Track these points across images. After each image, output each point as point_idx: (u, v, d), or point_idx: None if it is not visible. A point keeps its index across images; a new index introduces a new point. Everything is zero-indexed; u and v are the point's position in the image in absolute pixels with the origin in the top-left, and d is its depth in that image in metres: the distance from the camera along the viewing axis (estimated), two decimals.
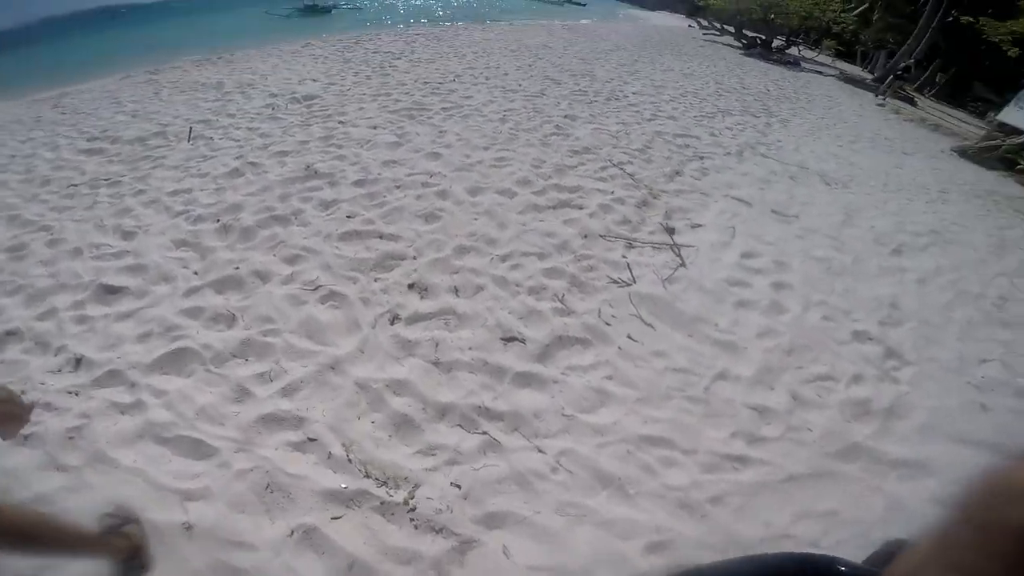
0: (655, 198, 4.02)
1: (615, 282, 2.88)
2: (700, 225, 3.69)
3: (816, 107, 9.45)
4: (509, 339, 2.38)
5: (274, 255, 2.87)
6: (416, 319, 2.48)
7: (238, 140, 4.52)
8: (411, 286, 2.70)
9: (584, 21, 27.50)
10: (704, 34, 23.74)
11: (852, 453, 2.06)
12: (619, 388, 2.20)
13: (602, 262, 3.05)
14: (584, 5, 50.61)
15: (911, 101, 13.44)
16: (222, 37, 17.94)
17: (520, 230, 3.26)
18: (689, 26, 39.29)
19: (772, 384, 2.34)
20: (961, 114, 18.18)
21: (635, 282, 2.90)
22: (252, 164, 3.96)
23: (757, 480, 1.88)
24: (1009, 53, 11.30)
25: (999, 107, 22.54)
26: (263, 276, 2.70)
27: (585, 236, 3.30)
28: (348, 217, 3.24)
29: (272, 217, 3.21)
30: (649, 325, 2.60)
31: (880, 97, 12.98)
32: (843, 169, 5.73)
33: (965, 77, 21.51)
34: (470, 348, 2.32)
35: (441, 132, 4.81)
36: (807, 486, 1.90)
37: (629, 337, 2.49)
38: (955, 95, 20.20)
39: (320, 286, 2.62)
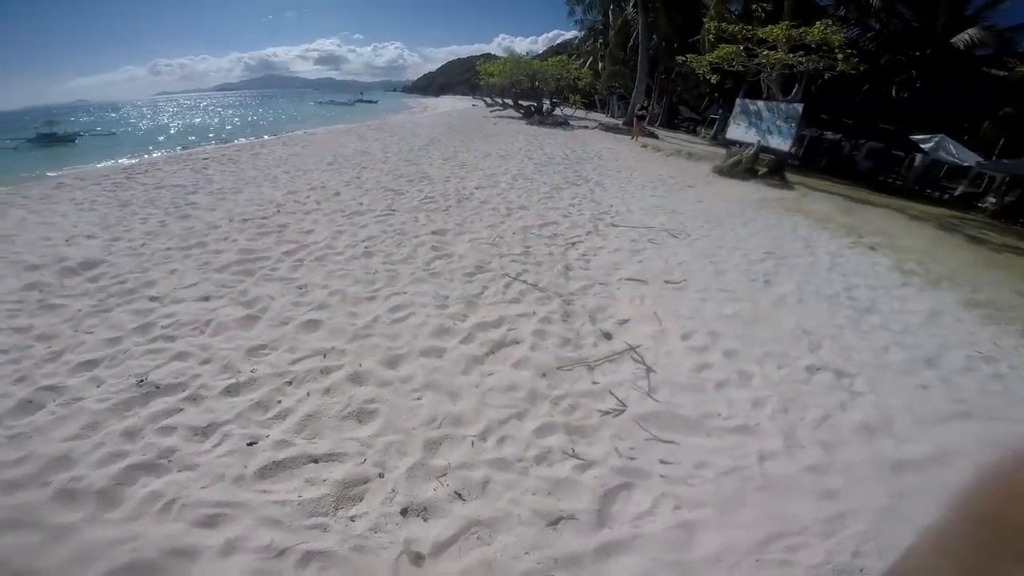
0: (569, 304, 3.88)
1: (607, 413, 2.67)
2: (625, 320, 3.72)
3: (607, 163, 11.03)
4: (555, 521, 2.03)
5: (168, 528, 1.84)
6: (443, 548, 1.86)
7: (5, 352, 3.09)
8: (404, 512, 1.99)
9: (388, 116, 28.24)
10: (491, 111, 26.55)
11: (901, 468, 2.43)
12: (695, 513, 2.10)
13: (579, 396, 2.78)
14: (375, 102, 53.12)
15: (654, 135, 16.78)
16: None
17: (477, 394, 2.71)
18: (473, 105, 43.85)
19: (800, 444, 2.55)
20: (691, 137, 23.64)
21: (626, 406, 2.72)
22: (49, 390, 2.66)
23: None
24: (711, 80, 14.30)
25: (708, 123, 29.13)
26: None
27: (544, 375, 2.93)
28: (250, 444, 2.28)
29: (131, 467, 2.10)
30: (670, 442, 2.51)
31: (634, 140, 16.12)
32: (673, 218, 6.65)
33: (672, 105, 28.52)
34: (525, 553, 1.88)
35: (301, 289, 3.91)
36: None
37: (663, 462, 2.38)
38: (670, 121, 27.72)
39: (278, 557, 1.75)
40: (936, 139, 17.95)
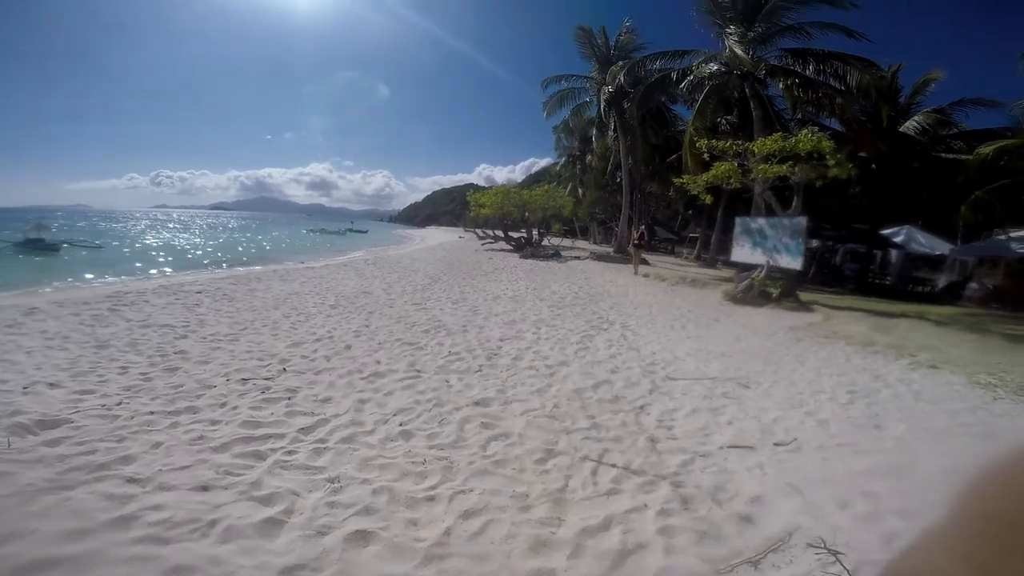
0: (680, 487, 3.18)
1: None
2: (757, 497, 3.10)
3: (620, 300, 10.80)
4: None
5: None
6: None
7: None
8: None
9: (382, 249, 28.72)
10: (483, 244, 27.02)
11: None
12: None
13: None
14: (366, 232, 54.71)
15: (646, 262, 16.85)
16: None
17: None
18: (460, 236, 45.41)
19: None
20: (674, 258, 24.10)
21: None
22: None
23: None
24: (706, 200, 14.48)
25: (689, 242, 29.92)
26: None
27: None
28: None
29: None
30: None
31: (635, 272, 16.07)
32: (727, 364, 6.24)
33: (649, 226, 29.52)
34: None
35: (333, 483, 3.03)
36: None
37: None
38: (648, 242, 27.38)
39: None
40: (904, 231, 18.41)
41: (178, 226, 67.60)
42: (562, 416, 4.30)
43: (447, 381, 4.98)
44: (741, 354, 6.84)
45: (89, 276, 14.44)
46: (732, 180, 12.74)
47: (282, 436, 3.61)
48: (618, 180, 32.43)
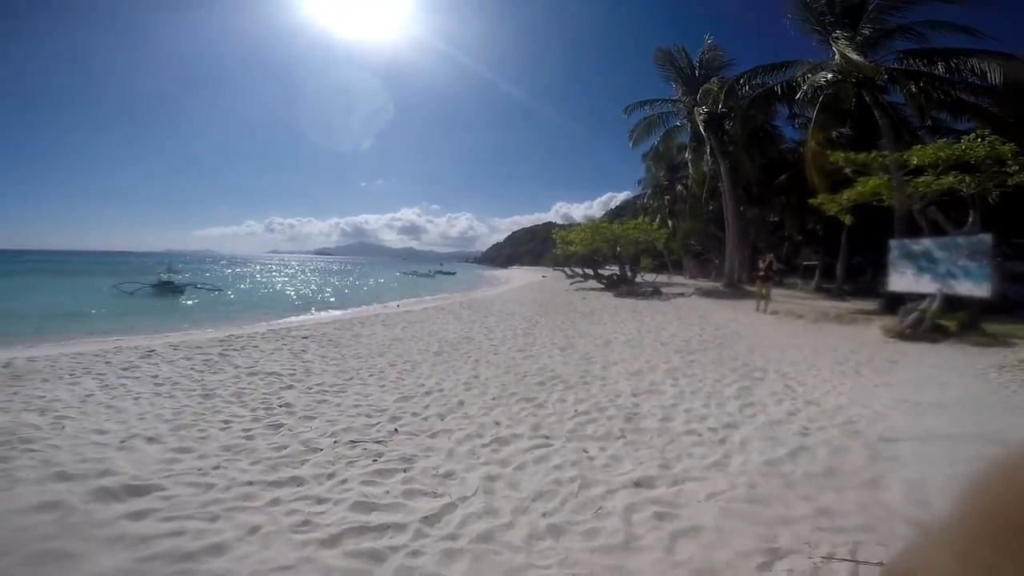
0: None
1: None
2: None
3: (757, 342, 9.15)
4: None
5: None
6: None
7: None
8: None
9: (472, 292, 28.83)
10: (571, 283, 25.75)
11: None
12: None
13: None
14: (454, 274, 56.06)
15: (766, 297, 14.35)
16: (44, 320, 14.24)
17: None
18: (543, 276, 44.70)
19: None
20: (790, 291, 20.93)
21: None
22: None
23: None
24: (845, 221, 12.85)
25: (805, 272, 26.24)
26: None
27: None
28: None
29: None
30: None
31: (762, 308, 13.86)
32: (958, 418, 4.91)
33: (752, 256, 25.90)
34: None
35: None
36: None
37: None
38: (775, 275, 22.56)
39: None
40: None
41: (287, 270, 73.36)
42: (766, 499, 3.15)
43: (585, 451, 3.99)
44: (964, 403, 5.33)
45: (206, 319, 15.28)
46: (884, 197, 10.95)
47: (402, 527, 2.81)
48: (711, 208, 30.22)
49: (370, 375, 6.28)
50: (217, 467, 3.43)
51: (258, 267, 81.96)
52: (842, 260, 20.86)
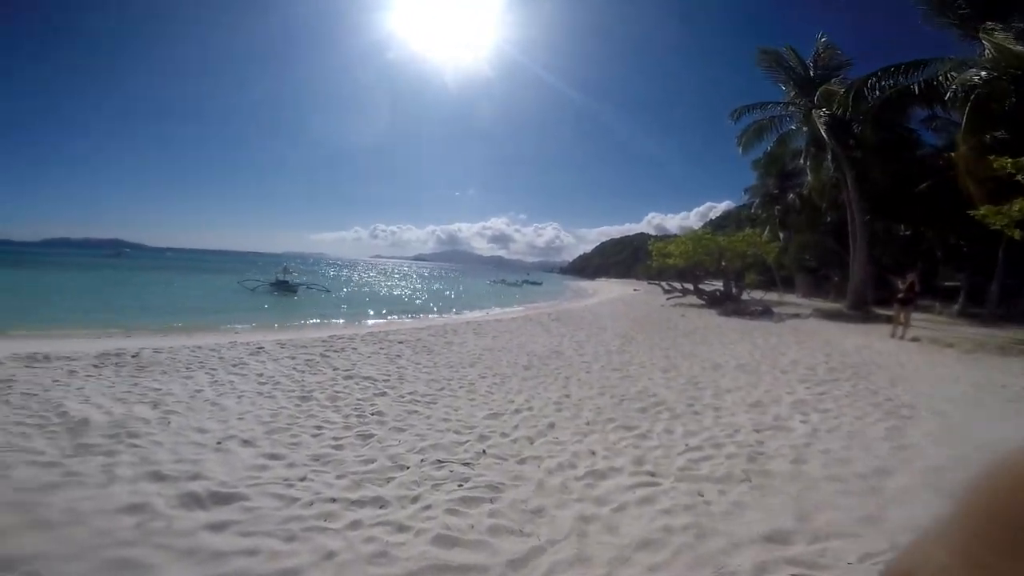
0: None
1: None
2: None
3: (906, 375, 7.67)
4: None
5: None
6: None
7: None
8: None
9: (559, 303, 28.52)
10: (668, 298, 24.19)
11: None
12: None
13: None
14: (540, 284, 56.05)
15: (904, 322, 12.11)
16: (174, 311, 16.09)
17: None
18: (635, 290, 43.03)
19: None
20: (928, 315, 17.77)
21: None
22: None
23: None
24: (1015, 236, 10.96)
25: (945, 294, 22.26)
26: None
27: None
28: None
29: None
30: None
31: (899, 335, 11.92)
32: None
33: (878, 275, 22.03)
34: None
35: None
36: None
37: None
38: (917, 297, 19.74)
39: None
40: None
41: (388, 274, 77.57)
42: None
43: (700, 494, 3.40)
44: None
45: (313, 317, 16.25)
46: None
47: (485, 572, 2.47)
48: (829, 219, 27.16)
49: (460, 386, 6.08)
50: (303, 478, 3.31)
51: (362, 270, 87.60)
52: (997, 280, 17.74)
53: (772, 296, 25.29)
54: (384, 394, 5.55)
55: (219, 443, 3.81)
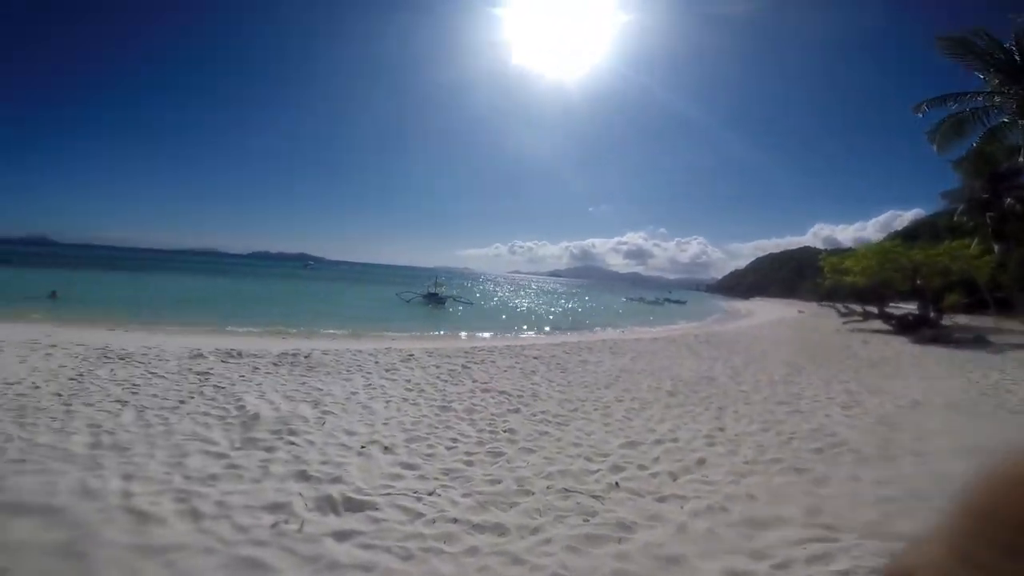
0: None
1: None
2: None
3: None
4: None
5: None
6: None
7: None
8: None
9: (706, 323, 26.55)
10: (844, 322, 20.92)
11: None
12: None
13: None
14: (684, 303, 52.20)
15: None
16: (343, 317, 18.33)
17: None
18: (800, 311, 38.24)
19: None
20: None
21: None
22: None
23: None
24: None
25: None
26: None
27: None
28: None
29: None
30: None
31: None
32: None
33: None
34: None
35: None
36: None
37: None
38: None
39: None
40: None
41: (525, 289, 79.66)
42: None
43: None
44: None
45: (458, 328, 17.14)
46: None
47: None
48: None
49: (595, 409, 5.75)
50: (432, 492, 3.29)
51: (502, 285, 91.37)
52: None
53: (984, 321, 20.59)
54: (517, 411, 5.47)
55: (363, 447, 4.01)
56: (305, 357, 7.57)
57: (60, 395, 4.87)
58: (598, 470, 3.89)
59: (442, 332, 16.10)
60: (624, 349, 11.09)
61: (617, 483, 3.66)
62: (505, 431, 4.73)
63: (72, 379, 5.52)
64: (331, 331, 14.04)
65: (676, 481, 3.78)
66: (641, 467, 4.00)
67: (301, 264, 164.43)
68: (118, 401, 4.80)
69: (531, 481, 3.59)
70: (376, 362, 7.60)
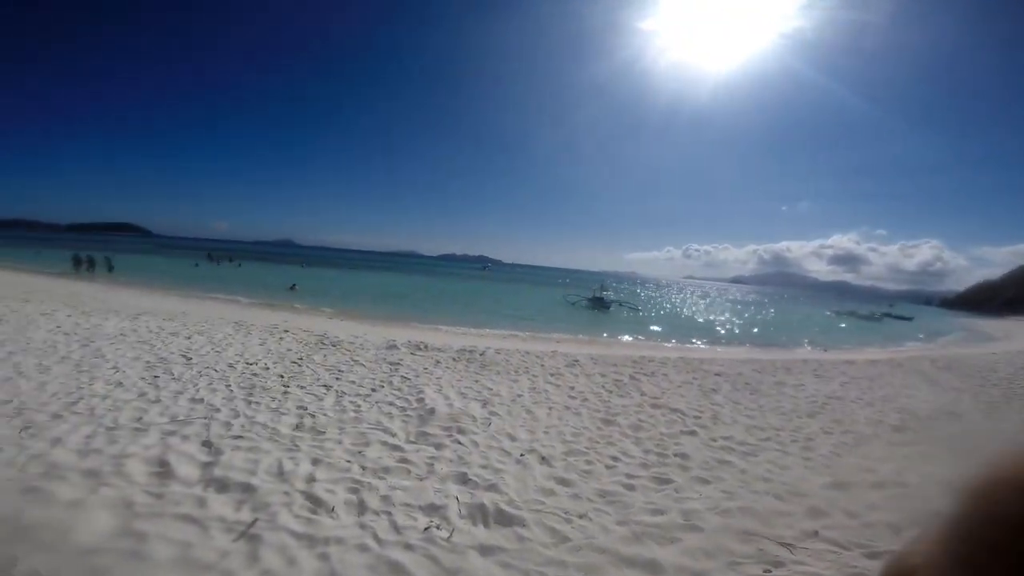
0: None
1: None
2: None
3: None
4: None
5: None
6: None
7: None
8: None
9: (946, 347, 21.66)
10: None
11: None
12: None
13: None
14: (910, 319, 42.80)
15: None
16: (515, 317, 19.51)
17: None
18: None
19: None
20: None
21: None
22: None
23: None
24: None
25: None
26: None
27: None
28: None
29: None
30: None
31: None
32: None
33: None
34: None
35: None
36: None
37: None
38: None
39: None
40: None
41: (703, 296, 73.94)
42: None
43: None
44: None
45: (625, 337, 16.55)
46: None
47: None
48: None
49: (792, 440, 4.88)
50: (583, 515, 3.03)
51: (674, 291, 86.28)
52: None
53: None
54: (693, 433, 4.91)
55: (522, 455, 3.93)
56: (480, 355, 7.94)
57: (282, 376, 5.78)
58: (792, 513, 3.23)
59: (607, 338, 15.72)
60: (832, 372, 9.36)
61: (817, 532, 2.99)
62: (676, 455, 4.25)
63: (294, 362, 6.56)
64: (502, 330, 14.72)
65: (899, 535, 2.97)
66: (850, 515, 3.22)
67: (480, 266, 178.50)
68: (324, 385, 5.53)
69: (702, 516, 3.11)
70: (542, 365, 7.62)
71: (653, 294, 62.45)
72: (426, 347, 8.23)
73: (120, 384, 4.90)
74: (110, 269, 24.53)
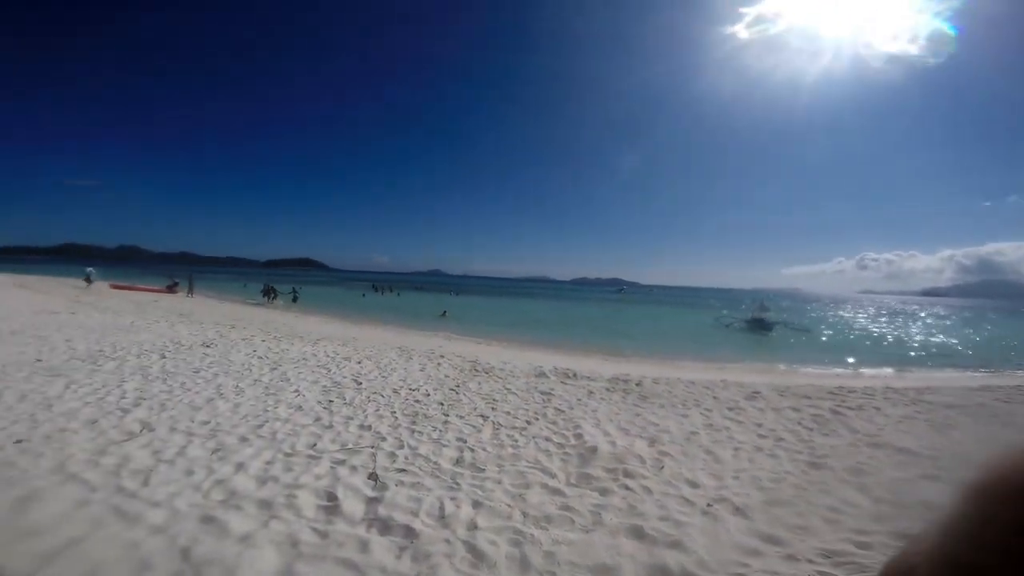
0: None
1: None
2: None
3: None
4: None
5: None
6: None
7: None
8: None
9: None
10: None
11: None
12: None
13: None
14: None
15: None
16: (662, 342, 18.27)
17: None
18: None
19: None
20: None
21: None
22: None
23: None
24: None
25: None
26: None
27: None
28: None
29: None
30: None
31: None
32: None
33: None
34: None
35: None
36: None
37: None
38: None
39: None
40: None
41: (887, 313, 62.50)
42: None
43: None
44: None
45: (796, 360, 14.43)
46: None
47: None
48: None
49: None
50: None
51: (848, 308, 74.24)
52: None
53: None
54: (935, 479, 3.78)
55: (709, 505, 3.29)
56: (636, 384, 7.29)
57: (442, 404, 5.78)
58: None
59: (779, 364, 13.75)
60: None
61: None
62: (919, 503, 3.26)
63: (452, 389, 6.58)
64: (653, 357, 13.73)
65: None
66: None
67: (615, 289, 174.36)
68: (481, 416, 5.38)
69: None
70: (714, 397, 6.70)
71: (822, 313, 53.83)
72: (575, 375, 7.81)
73: (300, 408, 5.24)
74: (295, 300, 27.60)
